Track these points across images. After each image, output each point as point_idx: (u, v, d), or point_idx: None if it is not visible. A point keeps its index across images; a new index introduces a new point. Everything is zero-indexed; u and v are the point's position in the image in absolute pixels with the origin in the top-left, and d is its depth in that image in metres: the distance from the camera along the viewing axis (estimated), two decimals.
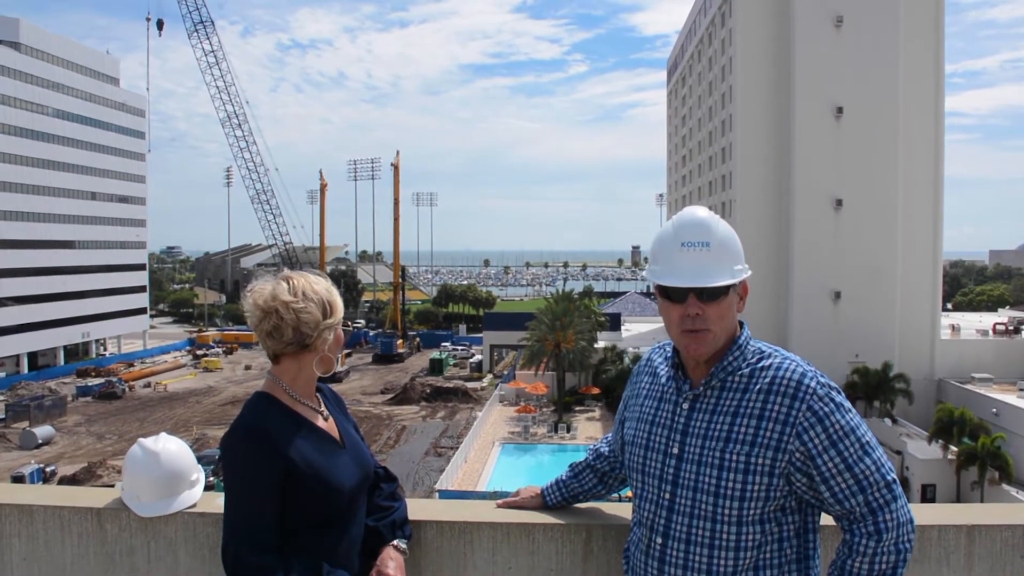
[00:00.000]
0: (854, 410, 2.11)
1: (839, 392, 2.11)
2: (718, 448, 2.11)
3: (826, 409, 2.06)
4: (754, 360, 2.17)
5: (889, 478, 2.06)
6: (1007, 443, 37.95)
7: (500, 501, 2.80)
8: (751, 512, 2.09)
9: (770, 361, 2.16)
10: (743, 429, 2.10)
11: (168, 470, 2.64)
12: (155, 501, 2.63)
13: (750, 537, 2.10)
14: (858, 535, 2.05)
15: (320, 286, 2.32)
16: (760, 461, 2.07)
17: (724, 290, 2.14)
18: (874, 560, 2.03)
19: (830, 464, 2.04)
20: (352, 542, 2.34)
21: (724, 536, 2.10)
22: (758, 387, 2.12)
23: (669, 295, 2.17)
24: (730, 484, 2.08)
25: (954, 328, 63.16)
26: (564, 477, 2.75)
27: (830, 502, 2.08)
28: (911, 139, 57.12)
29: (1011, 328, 62.40)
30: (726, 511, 2.09)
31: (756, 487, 2.07)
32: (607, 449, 2.67)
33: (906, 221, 57.13)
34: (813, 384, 2.07)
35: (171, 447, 2.68)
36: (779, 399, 2.08)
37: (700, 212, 2.20)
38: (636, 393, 2.42)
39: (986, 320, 69.91)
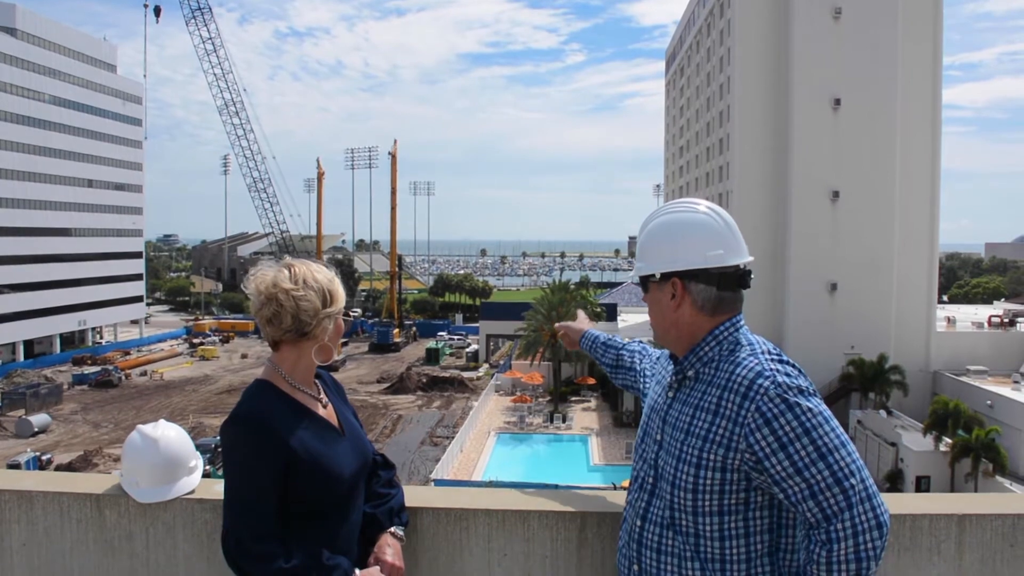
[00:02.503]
0: (816, 411, 1.99)
1: (800, 392, 2.01)
2: (679, 439, 2.13)
3: (775, 411, 1.98)
4: (727, 352, 2.15)
5: (847, 484, 1.95)
6: (1001, 435, 38.01)
7: (559, 324, 3.19)
8: (705, 504, 2.09)
9: (737, 355, 2.13)
10: (700, 423, 2.10)
11: (167, 456, 2.66)
12: (154, 487, 2.64)
13: (708, 528, 2.10)
14: (813, 542, 1.97)
15: (321, 275, 2.33)
16: (711, 457, 2.06)
17: (645, 285, 2.25)
18: (831, 569, 1.93)
19: (779, 467, 1.98)
20: (351, 528, 2.37)
21: (684, 524, 2.12)
22: (718, 382, 2.11)
23: None
24: (683, 475, 2.10)
25: (950, 320, 63.25)
26: (604, 339, 3.00)
27: (786, 505, 2.03)
28: (909, 131, 57.07)
29: (1006, 321, 62.45)
30: (681, 500, 2.11)
31: (708, 481, 2.07)
32: (639, 363, 2.84)
33: (903, 213, 57.15)
34: (766, 384, 2.00)
35: (170, 434, 2.70)
36: (732, 396, 2.05)
37: (665, 206, 2.29)
38: (656, 381, 2.47)
39: (982, 313, 69.95)
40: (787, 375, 2.03)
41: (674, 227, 2.20)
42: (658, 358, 2.53)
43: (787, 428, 1.97)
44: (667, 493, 2.14)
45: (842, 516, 1.94)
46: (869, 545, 1.93)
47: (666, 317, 2.21)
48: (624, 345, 2.92)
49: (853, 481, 1.96)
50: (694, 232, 2.18)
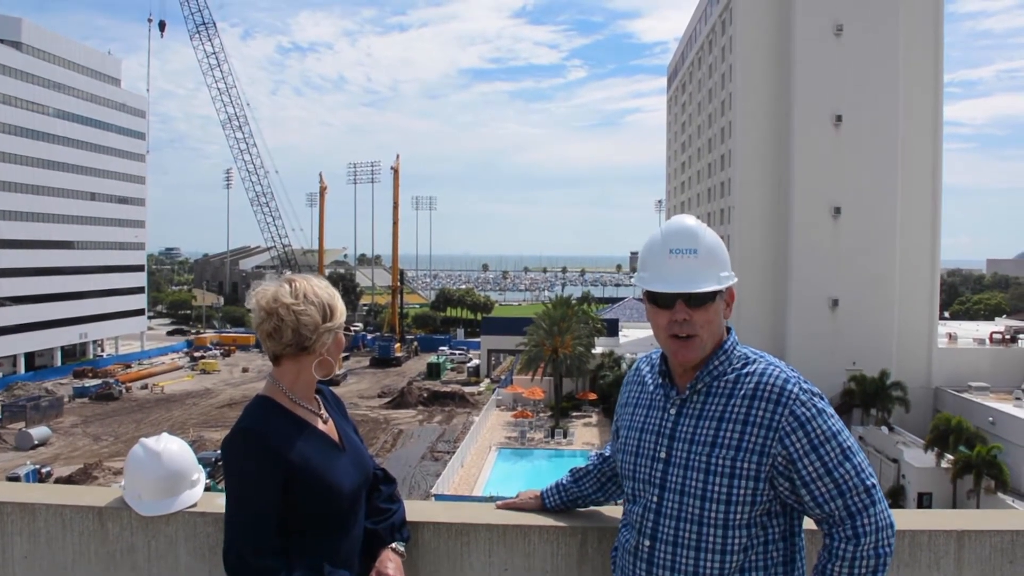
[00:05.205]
0: (836, 416, 2.15)
1: (822, 398, 2.15)
2: (704, 453, 2.15)
3: (808, 414, 2.09)
4: (739, 365, 2.22)
5: (868, 483, 2.09)
6: (1003, 452, 37.95)
7: (499, 503, 2.83)
8: (738, 516, 2.12)
9: (755, 367, 2.20)
10: (728, 434, 2.14)
11: (169, 470, 2.66)
12: (156, 500, 2.65)
13: (736, 540, 2.13)
14: (837, 539, 2.08)
15: (322, 290, 2.35)
16: (745, 466, 2.11)
17: (711, 296, 2.19)
18: (853, 564, 2.05)
19: (810, 468, 2.08)
20: (353, 543, 2.37)
21: (711, 539, 2.14)
22: (743, 392, 2.16)
23: (657, 301, 2.22)
24: (716, 488, 2.12)
25: (951, 337, 63.23)
26: (564, 481, 2.77)
27: (810, 505, 2.12)
28: (910, 147, 57.23)
29: (1008, 337, 62.45)
30: (712, 514, 2.13)
31: (742, 491, 2.11)
32: (611, 453, 2.70)
33: (904, 229, 57.22)
34: (796, 390, 2.11)
35: (172, 447, 2.71)
36: (763, 404, 2.12)
37: (688, 220, 2.25)
38: (626, 402, 2.47)
39: (983, 329, 69.97)
40: (807, 382, 2.16)
41: (719, 240, 2.28)
42: (627, 383, 2.51)
43: (819, 431, 2.10)
44: (695, 508, 2.15)
45: (867, 512, 2.08)
46: (886, 542, 2.08)
47: (717, 327, 2.24)
48: (589, 467, 2.74)
49: (874, 480, 2.12)
50: None
